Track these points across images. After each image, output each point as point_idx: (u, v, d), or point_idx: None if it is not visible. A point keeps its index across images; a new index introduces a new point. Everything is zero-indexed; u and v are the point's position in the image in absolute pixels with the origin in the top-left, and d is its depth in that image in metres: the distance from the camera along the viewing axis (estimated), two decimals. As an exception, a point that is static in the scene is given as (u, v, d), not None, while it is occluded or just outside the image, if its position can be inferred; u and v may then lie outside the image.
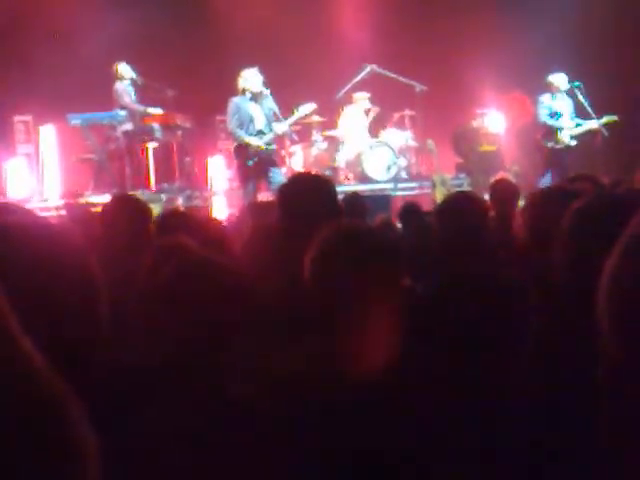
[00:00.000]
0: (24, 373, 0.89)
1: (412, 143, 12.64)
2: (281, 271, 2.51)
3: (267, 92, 9.91)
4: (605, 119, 11.08)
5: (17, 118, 12.21)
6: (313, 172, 11.16)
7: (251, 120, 9.86)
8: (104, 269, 1.52)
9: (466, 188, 11.60)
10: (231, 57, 11.25)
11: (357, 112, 12.45)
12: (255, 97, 9.86)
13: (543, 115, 11.14)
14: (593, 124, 11.07)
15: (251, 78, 9.81)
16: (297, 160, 12.17)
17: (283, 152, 11.82)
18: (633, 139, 11.50)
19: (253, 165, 9.83)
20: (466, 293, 2.16)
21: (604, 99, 11.28)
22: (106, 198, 10.46)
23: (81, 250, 1.47)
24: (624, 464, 1.26)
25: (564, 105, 11.18)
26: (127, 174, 11.23)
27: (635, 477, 1.25)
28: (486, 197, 5.80)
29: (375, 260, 2.08)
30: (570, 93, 11.18)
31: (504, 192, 5.86)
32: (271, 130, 9.93)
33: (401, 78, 12.30)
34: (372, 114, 12.51)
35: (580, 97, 11.09)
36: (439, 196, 10.53)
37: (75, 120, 11.36)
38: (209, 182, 12.62)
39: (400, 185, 11.95)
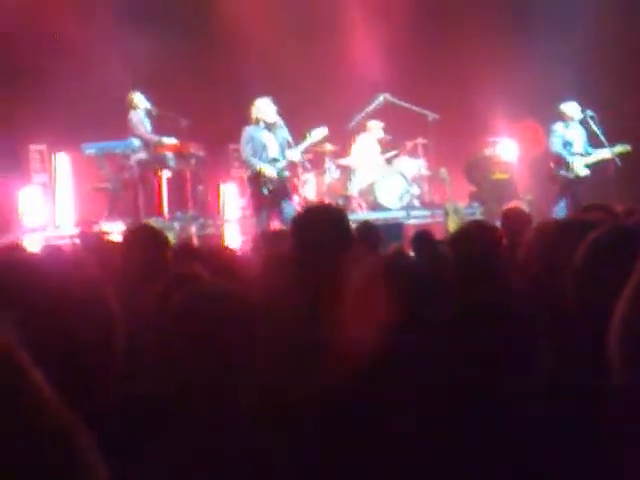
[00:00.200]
0: (33, 404, 0.90)
1: (425, 172, 12.67)
2: (294, 299, 2.52)
3: (281, 121, 9.97)
4: (618, 148, 11.06)
5: (32, 147, 12.30)
6: (326, 202, 11.20)
7: (264, 148, 9.91)
8: (121, 298, 1.53)
9: (479, 217, 11.60)
10: (245, 86, 11.32)
11: (370, 141, 12.49)
12: (269, 126, 9.92)
13: (556, 144, 11.15)
14: (606, 153, 11.06)
15: (264, 108, 9.88)
16: (310, 188, 12.21)
17: (296, 180, 11.86)
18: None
19: (267, 193, 9.86)
20: (479, 321, 2.16)
21: (617, 128, 11.27)
22: (120, 226, 10.54)
23: (96, 282, 1.48)
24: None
25: (577, 134, 11.19)
26: (141, 203, 11.27)
27: None
28: (499, 225, 5.81)
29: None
30: (583, 122, 11.19)
31: (516, 220, 5.87)
32: (284, 158, 9.99)
33: (414, 107, 12.35)
34: (385, 143, 12.56)
35: (593, 126, 11.09)
36: (452, 225, 10.53)
37: (89, 149, 11.44)
38: (222, 210, 12.66)
39: (413, 213, 11.96)
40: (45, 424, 0.90)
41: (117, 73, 11.89)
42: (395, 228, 10.14)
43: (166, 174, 11.60)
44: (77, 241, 8.82)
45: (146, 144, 11.38)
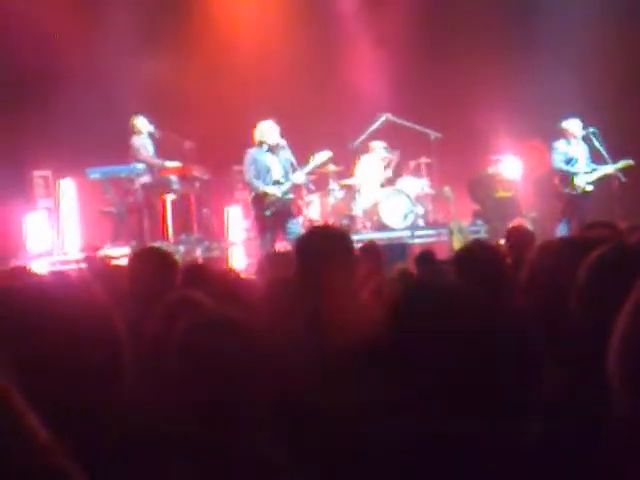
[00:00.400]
0: (27, 447, 0.91)
1: (428, 190, 12.69)
2: (297, 323, 2.53)
3: (284, 143, 10.01)
4: (621, 164, 11.09)
5: (37, 173, 12.34)
6: (331, 222, 11.22)
7: (268, 171, 9.95)
8: (128, 323, 1.54)
9: (483, 235, 11.63)
10: (248, 109, 11.37)
11: (373, 161, 12.52)
12: (272, 149, 9.96)
13: (558, 161, 11.18)
14: (609, 169, 11.08)
15: (267, 130, 9.92)
16: (314, 209, 12.23)
17: (300, 202, 11.88)
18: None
19: (271, 215, 9.89)
20: (480, 339, 2.16)
21: (620, 144, 11.29)
22: (125, 251, 10.56)
23: (103, 307, 1.49)
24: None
25: (579, 151, 11.21)
26: (146, 226, 11.30)
27: None
28: (503, 243, 5.82)
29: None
30: (585, 139, 11.21)
31: (520, 238, 5.88)
32: (288, 180, 10.02)
33: (416, 126, 12.39)
34: (388, 162, 12.59)
35: (595, 142, 11.11)
36: (456, 243, 10.54)
37: (94, 174, 11.48)
38: (226, 232, 12.69)
39: (417, 233, 11.97)
40: (39, 468, 0.91)
41: (121, 98, 11.96)
42: (399, 248, 10.16)
43: (170, 197, 11.63)
44: (83, 266, 8.85)
45: (150, 168, 11.43)
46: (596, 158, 11.26)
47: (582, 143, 11.24)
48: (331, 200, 12.26)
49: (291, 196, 10.23)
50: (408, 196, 12.07)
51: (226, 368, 1.86)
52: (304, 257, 2.99)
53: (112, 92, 12.05)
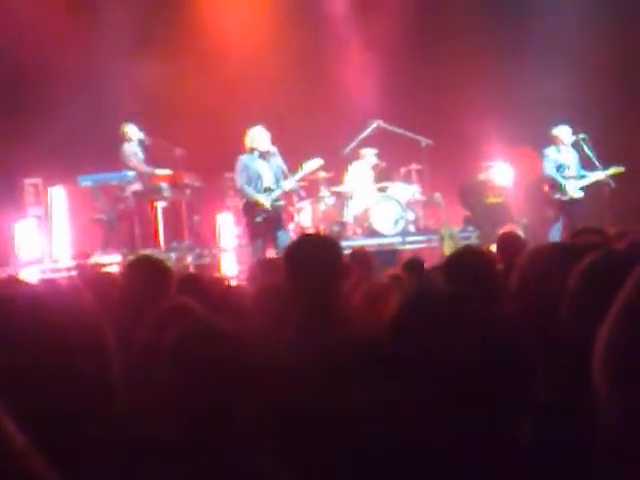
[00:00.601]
0: (3, 453, 0.90)
1: (419, 197, 12.70)
2: (287, 330, 2.52)
3: (274, 150, 10.02)
4: (611, 170, 11.13)
5: (27, 181, 12.32)
6: (321, 229, 11.23)
7: (259, 177, 9.95)
8: (118, 331, 1.53)
9: (474, 241, 11.65)
10: (238, 115, 11.38)
11: (364, 167, 12.53)
12: (263, 155, 9.97)
13: (549, 168, 11.22)
14: (600, 175, 11.13)
15: (258, 136, 9.93)
16: (305, 216, 12.23)
17: (291, 208, 11.89)
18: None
19: (262, 222, 9.89)
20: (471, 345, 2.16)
21: (611, 150, 11.33)
22: (116, 258, 10.55)
23: (93, 316, 1.48)
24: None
25: (569, 157, 11.25)
26: (137, 234, 11.29)
27: None
28: (494, 249, 5.83)
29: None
30: (575, 145, 11.25)
31: (511, 244, 5.88)
32: (279, 187, 10.02)
33: (407, 133, 12.41)
34: (379, 169, 12.61)
35: (586, 149, 11.15)
36: (447, 249, 10.55)
37: (85, 181, 11.46)
38: (218, 239, 12.68)
39: (408, 239, 11.98)
40: (15, 474, 0.90)
41: (111, 105, 11.96)
42: (389, 254, 10.17)
43: (161, 205, 11.62)
44: (74, 274, 8.83)
45: (140, 175, 11.42)
46: (586, 165, 11.29)
47: (572, 150, 11.28)
48: (322, 207, 12.26)
49: (282, 203, 10.24)
50: (399, 202, 12.08)
51: (218, 377, 1.86)
52: (293, 264, 2.98)
53: (102, 100, 12.05)
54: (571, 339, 2.21)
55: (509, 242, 5.98)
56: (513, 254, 5.54)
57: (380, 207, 12.01)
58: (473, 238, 11.99)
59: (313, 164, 10.54)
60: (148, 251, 10.43)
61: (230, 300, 3.28)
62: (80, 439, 1.39)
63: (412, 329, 2.09)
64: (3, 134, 11.56)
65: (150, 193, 11.52)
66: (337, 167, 12.42)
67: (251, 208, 9.95)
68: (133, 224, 11.36)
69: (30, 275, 10.15)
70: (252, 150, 9.96)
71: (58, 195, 12.40)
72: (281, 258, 4.48)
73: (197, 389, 1.82)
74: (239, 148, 10.13)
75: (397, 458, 2.01)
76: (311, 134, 12.41)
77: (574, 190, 11.11)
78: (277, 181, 10.04)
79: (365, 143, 12.59)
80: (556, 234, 10.68)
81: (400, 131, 12.43)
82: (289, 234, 10.12)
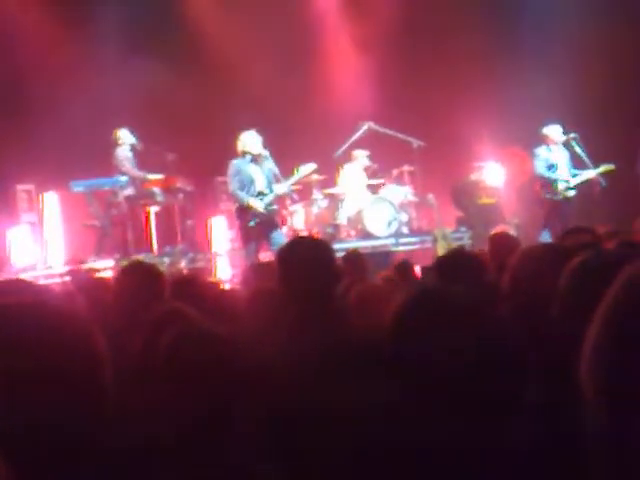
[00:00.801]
0: None
1: (412, 198, 12.71)
2: (281, 334, 2.53)
3: (266, 153, 10.03)
4: (602, 168, 11.15)
5: (20, 187, 12.30)
6: (312, 233, 11.25)
7: (252, 182, 9.95)
8: (111, 338, 1.54)
9: (467, 242, 11.67)
10: (230, 119, 11.38)
11: (357, 169, 12.54)
12: (255, 159, 9.97)
13: (540, 167, 11.24)
14: (590, 174, 11.15)
15: (250, 140, 9.93)
16: (299, 219, 12.24)
17: (284, 212, 11.89)
18: (631, 188, 11.54)
19: (255, 226, 9.90)
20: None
21: (602, 148, 11.36)
22: (110, 263, 10.54)
23: (83, 323, 1.49)
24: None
25: (560, 156, 11.28)
26: (130, 238, 11.29)
27: None
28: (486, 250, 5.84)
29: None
30: (566, 144, 11.28)
31: (504, 245, 5.89)
32: (272, 191, 10.03)
33: (399, 135, 12.42)
34: (371, 171, 12.62)
35: (576, 148, 11.18)
36: (440, 250, 10.58)
37: (77, 187, 11.45)
38: (211, 243, 12.68)
39: (401, 240, 11.99)
40: None
41: (103, 111, 11.96)
42: (382, 256, 10.18)
43: (154, 209, 11.62)
44: (67, 279, 8.81)
45: (133, 180, 11.42)
46: (577, 163, 11.32)
47: (563, 149, 11.30)
48: (315, 209, 12.27)
49: (275, 207, 10.25)
50: (392, 204, 12.09)
51: (213, 379, 1.87)
52: (286, 266, 3.00)
53: (95, 105, 12.04)
54: (562, 339, 2.22)
55: (502, 242, 5.98)
56: (506, 254, 5.55)
57: (373, 209, 12.02)
58: (466, 239, 12.01)
59: (307, 168, 10.56)
60: (141, 256, 10.43)
61: (224, 304, 3.29)
62: (72, 444, 1.40)
63: (415, 328, 2.11)
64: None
65: (143, 198, 11.52)
66: (329, 170, 12.43)
67: (244, 212, 9.96)
68: (126, 229, 11.36)
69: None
70: (244, 154, 9.97)
71: (51, 201, 12.38)
72: (274, 262, 4.50)
73: (193, 392, 1.83)
74: (231, 152, 10.14)
75: (395, 458, 2.02)
76: (303, 137, 12.43)
77: (566, 189, 11.14)
78: (269, 185, 10.05)
79: (357, 145, 12.61)
80: (548, 234, 10.70)
81: (391, 133, 12.44)
82: (283, 235, 10.13)
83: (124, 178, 11.34)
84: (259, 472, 1.89)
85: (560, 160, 11.25)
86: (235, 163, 10.01)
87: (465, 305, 2.22)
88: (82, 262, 10.69)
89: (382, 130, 12.54)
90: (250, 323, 2.84)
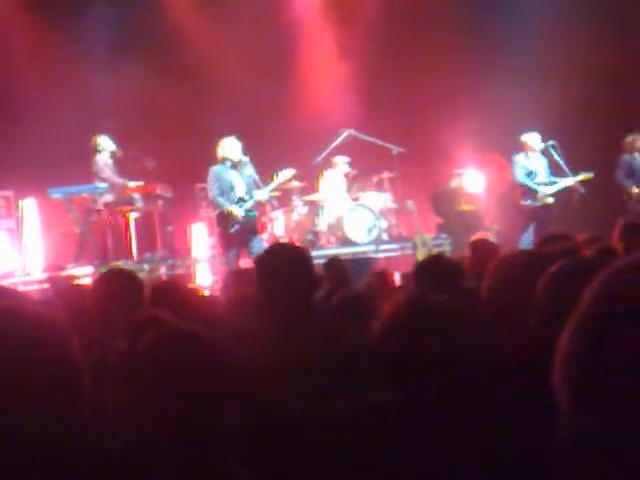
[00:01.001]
0: None
1: (392, 205, 12.73)
2: (260, 341, 2.53)
3: (246, 159, 10.03)
4: (581, 176, 11.23)
5: (-2, 193, 12.24)
6: (292, 240, 11.25)
7: (232, 188, 9.95)
8: (90, 345, 1.54)
9: (447, 248, 11.71)
10: (210, 125, 11.38)
11: (337, 176, 12.55)
12: (235, 165, 9.97)
13: (519, 175, 11.30)
14: (569, 181, 11.22)
15: (229, 147, 9.93)
16: (279, 225, 12.23)
17: (264, 218, 11.89)
18: (610, 196, 11.63)
19: (235, 232, 9.89)
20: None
21: (581, 156, 11.42)
22: (89, 270, 10.49)
23: (62, 335, 1.48)
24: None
25: (539, 164, 11.35)
26: (109, 245, 11.24)
27: None
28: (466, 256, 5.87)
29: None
30: (544, 152, 11.35)
31: (483, 251, 5.92)
32: (252, 197, 10.03)
33: (378, 141, 12.45)
34: (351, 177, 12.64)
35: (555, 155, 11.25)
36: (421, 257, 10.59)
37: (56, 194, 11.38)
38: (191, 250, 12.65)
39: (382, 247, 12.01)
40: None
41: (82, 117, 11.91)
42: (363, 263, 10.19)
43: (134, 216, 11.58)
44: (46, 286, 8.77)
45: (112, 187, 11.37)
46: (556, 170, 11.39)
47: (541, 156, 11.37)
48: (295, 216, 12.27)
49: (255, 213, 10.24)
50: (372, 210, 12.10)
51: (194, 379, 1.86)
52: (265, 274, 3.00)
53: (74, 112, 11.99)
54: (539, 345, 2.24)
55: (481, 249, 6.01)
56: (485, 261, 5.58)
57: (353, 215, 12.03)
58: (446, 245, 12.05)
59: (286, 174, 10.55)
60: (121, 262, 10.39)
61: (204, 311, 3.29)
62: (49, 450, 1.39)
63: (407, 334, 2.12)
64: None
65: (122, 204, 11.47)
66: (309, 176, 12.44)
67: (224, 219, 9.95)
68: (105, 236, 11.31)
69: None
70: (224, 160, 9.96)
71: (29, 207, 12.32)
72: (253, 269, 4.50)
73: (172, 392, 1.82)
74: (211, 159, 10.13)
75: (380, 464, 2.03)
76: (283, 144, 12.44)
77: (545, 196, 11.20)
78: (249, 191, 10.05)
79: (337, 152, 12.62)
80: (527, 241, 10.75)
81: (371, 139, 12.47)
82: (263, 242, 10.13)
83: (103, 185, 11.29)
84: (241, 476, 1.89)
85: (539, 167, 11.32)
86: (215, 169, 10.00)
87: (454, 312, 2.24)
88: (61, 269, 10.63)
89: (362, 137, 12.56)
90: (230, 330, 2.84)
